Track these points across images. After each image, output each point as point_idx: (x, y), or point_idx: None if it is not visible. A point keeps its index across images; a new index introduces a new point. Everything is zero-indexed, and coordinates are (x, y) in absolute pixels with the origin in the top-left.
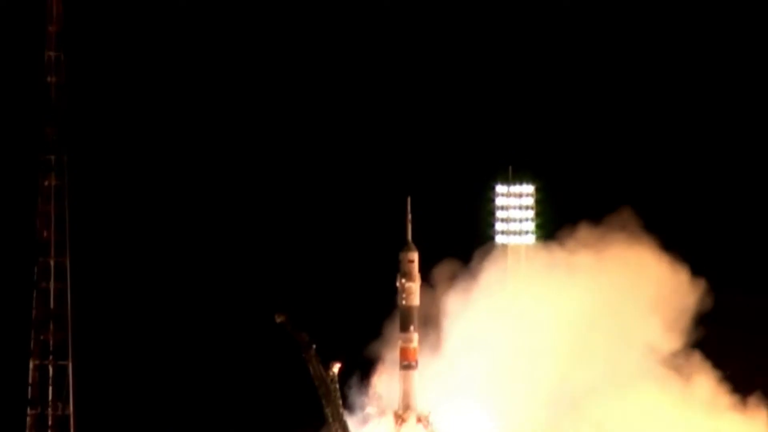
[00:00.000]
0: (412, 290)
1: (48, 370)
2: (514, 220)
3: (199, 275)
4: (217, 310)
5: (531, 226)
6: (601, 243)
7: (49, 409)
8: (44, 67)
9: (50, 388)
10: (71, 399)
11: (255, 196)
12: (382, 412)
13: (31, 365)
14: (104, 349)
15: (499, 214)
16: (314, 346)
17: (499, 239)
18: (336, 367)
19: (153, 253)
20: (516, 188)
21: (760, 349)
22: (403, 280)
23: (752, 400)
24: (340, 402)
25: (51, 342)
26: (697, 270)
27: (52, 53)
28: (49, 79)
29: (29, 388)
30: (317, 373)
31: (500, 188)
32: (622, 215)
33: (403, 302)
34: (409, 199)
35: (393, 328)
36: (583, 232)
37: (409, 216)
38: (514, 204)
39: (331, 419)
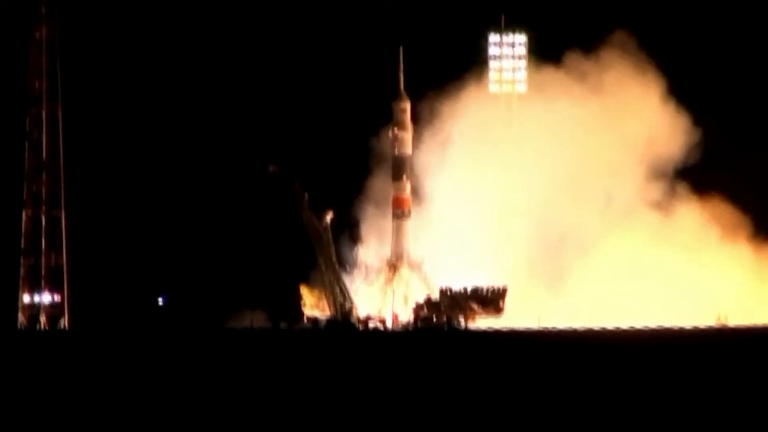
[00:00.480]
0: (405, 139)
1: (41, 220)
2: (507, 70)
3: (193, 124)
4: (210, 160)
5: (523, 75)
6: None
7: (43, 259)
8: None
9: (43, 238)
10: (64, 248)
11: (249, 47)
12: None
13: (24, 215)
14: (97, 199)
15: (492, 63)
16: (306, 195)
17: (492, 88)
18: (329, 216)
19: (145, 102)
20: (509, 38)
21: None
22: (396, 129)
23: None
24: (333, 250)
25: (43, 192)
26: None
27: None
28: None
29: (22, 238)
30: (310, 222)
31: (493, 37)
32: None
33: (396, 151)
34: (401, 49)
35: (382, 179)
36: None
37: (402, 66)
38: (507, 53)
39: (324, 267)
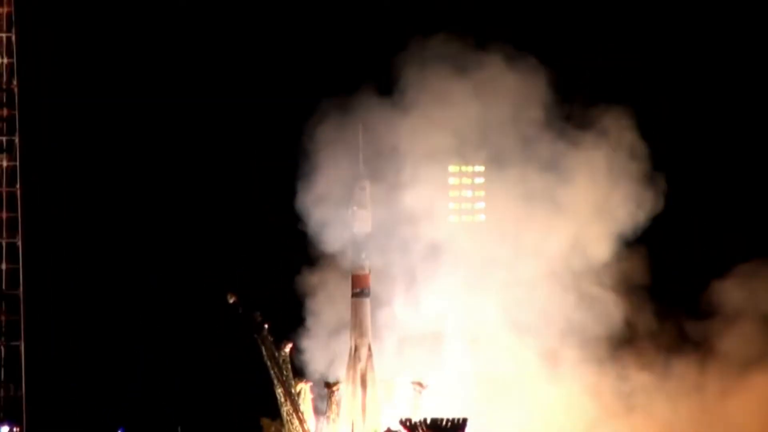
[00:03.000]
0: (364, 218)
1: (0, 351)
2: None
3: (152, 252)
4: (170, 289)
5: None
6: None
7: (1, 390)
8: None
9: (2, 370)
10: (23, 380)
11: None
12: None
13: None
14: (56, 330)
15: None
16: (267, 326)
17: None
18: (288, 347)
19: (106, 234)
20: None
21: None
22: (355, 208)
23: None
24: (293, 382)
25: (2, 323)
26: None
27: (3, 34)
28: (1, 60)
29: None
30: (269, 354)
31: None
32: None
33: (355, 230)
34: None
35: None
36: None
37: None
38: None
39: (282, 399)
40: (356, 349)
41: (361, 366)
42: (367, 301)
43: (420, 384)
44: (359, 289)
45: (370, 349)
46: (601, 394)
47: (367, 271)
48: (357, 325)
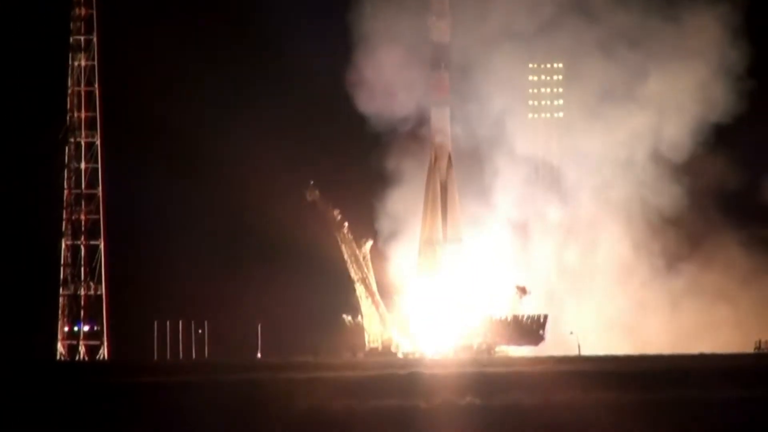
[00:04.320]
0: (443, 27)
1: (80, 250)
2: None
3: (233, 151)
4: (248, 182)
5: None
6: None
7: (82, 290)
8: None
9: (83, 268)
10: (104, 279)
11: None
12: None
13: (63, 245)
14: (136, 229)
15: None
16: (346, 224)
17: None
18: (368, 245)
19: (186, 125)
20: None
21: None
22: (434, 17)
23: None
24: (372, 279)
25: (83, 222)
26: None
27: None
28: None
29: (62, 269)
30: (350, 252)
31: None
32: None
33: (434, 38)
34: None
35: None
36: None
37: None
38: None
39: (363, 296)
40: (436, 159)
41: (441, 175)
42: (447, 110)
43: (523, 289)
44: (439, 98)
45: (450, 159)
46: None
47: (446, 82)
48: (437, 132)
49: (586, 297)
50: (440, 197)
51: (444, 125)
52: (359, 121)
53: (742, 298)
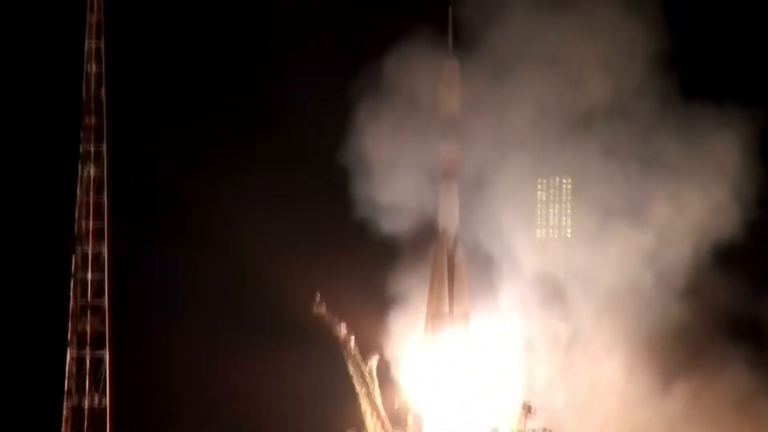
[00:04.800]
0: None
1: (85, 361)
2: None
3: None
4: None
5: None
6: None
7: (86, 401)
8: (84, 55)
9: (87, 380)
10: (108, 390)
11: None
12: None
13: (68, 356)
14: (142, 340)
15: None
16: (353, 339)
17: None
18: (374, 360)
19: (194, 241)
20: None
21: None
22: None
23: None
24: (378, 395)
25: (88, 332)
26: None
27: (92, 41)
28: (88, 68)
29: (66, 380)
30: (355, 367)
31: None
32: None
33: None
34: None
35: None
36: None
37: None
38: None
39: (367, 412)
40: (444, 233)
41: (448, 247)
42: (455, 184)
43: (529, 408)
44: (447, 170)
45: (457, 237)
46: None
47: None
48: (445, 209)
49: (586, 415)
50: (447, 272)
51: (452, 200)
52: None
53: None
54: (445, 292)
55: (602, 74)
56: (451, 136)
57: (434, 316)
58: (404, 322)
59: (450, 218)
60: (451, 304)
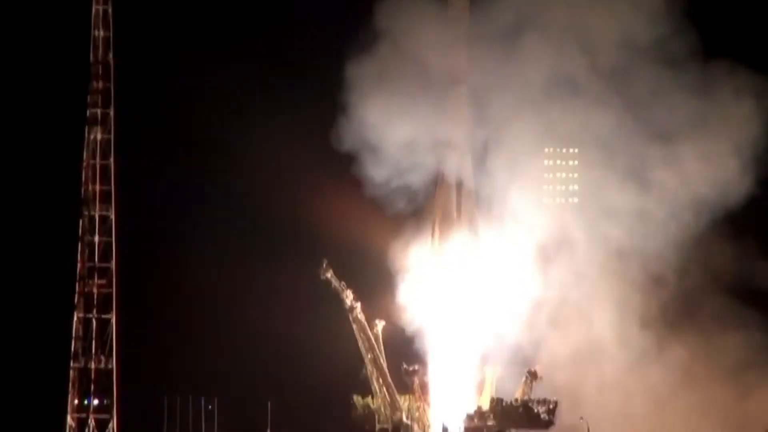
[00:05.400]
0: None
1: (92, 324)
2: None
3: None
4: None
5: None
6: None
7: (93, 363)
8: (92, 20)
9: (94, 342)
10: (114, 352)
11: None
12: None
13: (75, 318)
14: (148, 302)
15: None
16: (359, 304)
17: None
18: (380, 325)
19: (199, 203)
20: None
21: None
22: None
23: None
24: (383, 359)
25: (95, 295)
26: None
27: (100, 7)
28: (96, 32)
29: (73, 342)
30: (361, 331)
31: None
32: None
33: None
34: None
35: None
36: None
37: None
38: None
39: (373, 376)
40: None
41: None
42: (463, 90)
43: (535, 374)
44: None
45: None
46: None
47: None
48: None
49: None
50: (455, 193)
51: (460, 107)
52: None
53: None
54: (453, 198)
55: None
56: (459, 41)
57: (442, 220)
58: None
59: (458, 126)
60: (458, 211)
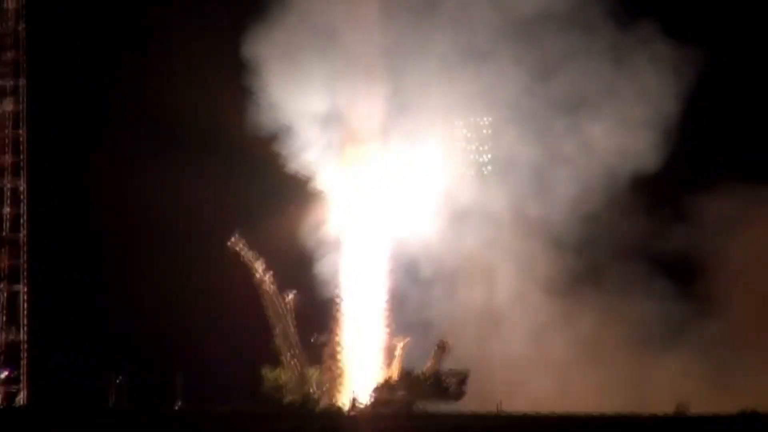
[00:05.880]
0: None
1: (1, 296)
2: None
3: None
4: (170, 228)
5: None
6: None
7: (2, 335)
8: None
9: (3, 313)
10: (23, 324)
11: None
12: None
13: None
14: (58, 274)
15: None
16: (269, 275)
17: None
18: (291, 296)
19: (108, 177)
20: None
21: None
22: None
23: None
24: (294, 331)
25: (4, 267)
26: None
27: None
28: (6, 3)
29: None
30: (271, 302)
31: None
32: None
33: None
34: None
35: None
36: None
37: None
38: None
39: (283, 349)
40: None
41: None
42: None
43: (444, 346)
44: None
45: None
46: None
47: None
48: None
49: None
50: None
51: None
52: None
53: None
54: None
55: None
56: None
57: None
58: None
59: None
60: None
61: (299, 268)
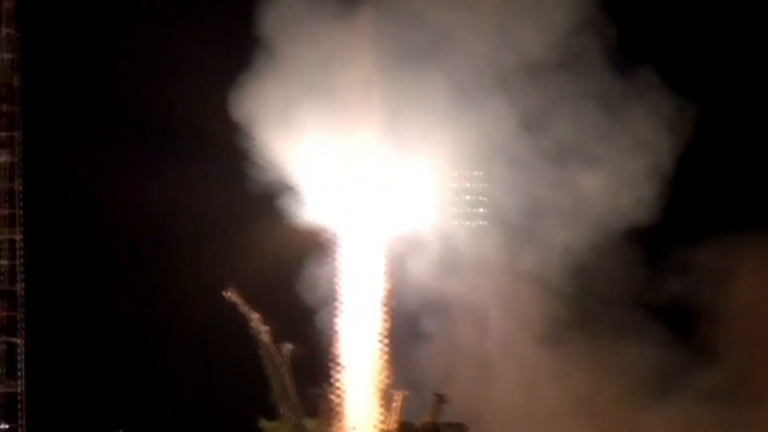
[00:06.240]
0: None
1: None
2: None
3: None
4: (168, 282)
5: None
6: None
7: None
8: None
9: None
10: (22, 378)
11: None
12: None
13: None
14: (57, 327)
15: None
16: (266, 328)
17: None
18: (288, 348)
19: (110, 229)
20: None
21: None
22: None
23: None
24: (291, 384)
25: (2, 319)
26: None
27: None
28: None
29: None
30: (267, 354)
31: None
32: None
33: None
34: None
35: None
36: None
37: None
38: None
39: (280, 401)
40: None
41: None
42: None
43: (441, 397)
44: None
45: None
46: None
47: None
48: None
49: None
50: None
51: None
52: None
53: None
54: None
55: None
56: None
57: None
58: None
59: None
60: None
61: (298, 319)
